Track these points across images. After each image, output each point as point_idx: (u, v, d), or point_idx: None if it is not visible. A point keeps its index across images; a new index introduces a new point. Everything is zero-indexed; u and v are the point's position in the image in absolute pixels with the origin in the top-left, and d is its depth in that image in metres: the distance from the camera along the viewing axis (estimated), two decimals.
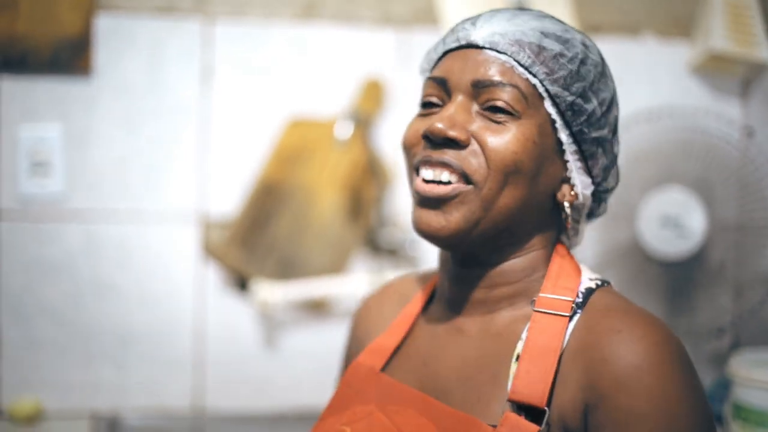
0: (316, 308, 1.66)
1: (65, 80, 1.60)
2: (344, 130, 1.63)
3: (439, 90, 0.88)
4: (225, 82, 1.65)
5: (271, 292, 1.58)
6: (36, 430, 1.56)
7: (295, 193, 1.64)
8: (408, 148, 0.89)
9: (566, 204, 0.88)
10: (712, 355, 1.69)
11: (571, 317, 0.82)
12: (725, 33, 1.63)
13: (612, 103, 0.90)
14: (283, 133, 1.64)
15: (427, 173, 0.85)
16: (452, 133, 0.83)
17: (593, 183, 0.90)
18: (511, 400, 0.79)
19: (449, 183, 0.84)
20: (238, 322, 1.66)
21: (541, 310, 0.84)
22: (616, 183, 0.95)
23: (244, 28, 1.64)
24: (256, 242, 1.63)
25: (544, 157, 0.85)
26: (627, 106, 1.68)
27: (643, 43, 1.73)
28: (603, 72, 0.89)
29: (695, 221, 1.59)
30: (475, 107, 0.85)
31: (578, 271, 0.89)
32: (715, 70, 1.70)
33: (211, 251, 1.64)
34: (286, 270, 1.61)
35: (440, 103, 0.88)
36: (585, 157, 0.88)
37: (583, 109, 0.86)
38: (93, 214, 1.62)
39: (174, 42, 1.63)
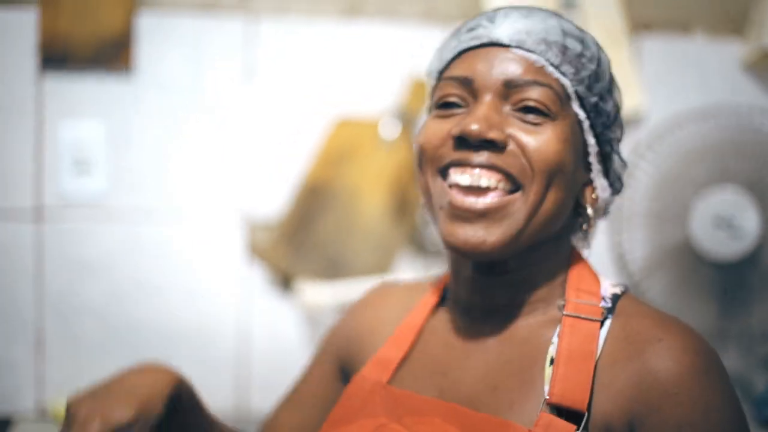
0: None
1: (107, 78, 1.59)
2: (390, 130, 1.61)
3: (461, 90, 0.82)
4: (268, 80, 1.63)
5: (317, 292, 1.56)
6: None
7: (341, 193, 1.62)
8: (429, 150, 0.82)
9: (589, 208, 0.85)
10: (765, 358, 1.66)
11: (602, 322, 0.81)
12: None
13: (619, 106, 0.88)
14: (330, 133, 1.62)
15: (462, 178, 0.80)
16: (492, 134, 0.78)
17: (609, 186, 0.88)
18: (549, 403, 0.77)
19: (488, 189, 0.79)
20: (283, 322, 1.64)
21: (571, 314, 0.82)
22: (623, 187, 0.92)
23: (287, 26, 1.62)
24: (301, 242, 1.61)
25: (576, 158, 0.83)
26: (678, 105, 1.67)
27: (695, 40, 1.70)
28: (612, 73, 0.87)
29: (749, 222, 1.57)
30: (506, 108, 0.81)
31: (596, 277, 0.88)
32: None
33: (256, 251, 1.62)
34: (332, 270, 1.60)
35: (462, 103, 0.82)
36: (603, 160, 0.86)
37: (603, 110, 0.84)
38: (135, 213, 1.61)
39: (216, 40, 1.61)
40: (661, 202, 1.62)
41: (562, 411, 0.77)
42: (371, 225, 1.62)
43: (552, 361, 0.81)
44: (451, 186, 0.81)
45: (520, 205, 0.79)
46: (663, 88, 1.68)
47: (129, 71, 1.59)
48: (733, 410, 0.77)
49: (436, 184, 0.82)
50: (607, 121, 0.84)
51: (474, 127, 0.78)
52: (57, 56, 1.56)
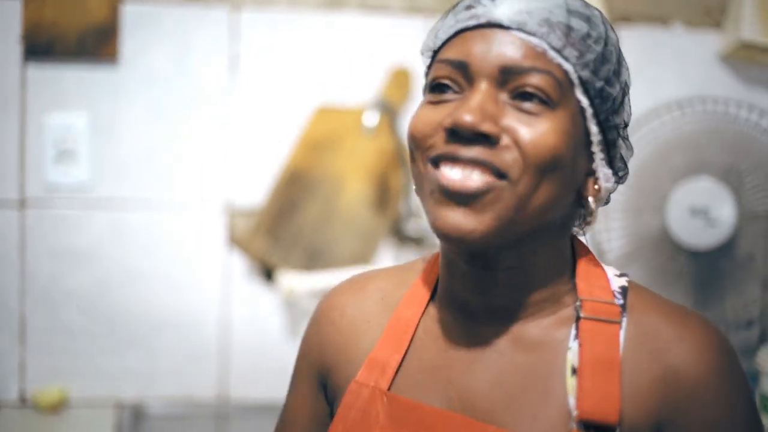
0: None
1: (91, 68, 1.60)
2: (371, 119, 1.62)
3: (455, 74, 0.76)
4: (252, 70, 1.64)
5: (297, 282, 1.57)
6: (60, 419, 1.56)
7: (322, 181, 1.64)
8: (420, 139, 0.76)
9: (591, 200, 0.79)
10: (740, 346, 1.68)
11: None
12: (756, 22, 1.62)
13: (627, 86, 0.81)
14: (311, 121, 1.64)
15: (453, 172, 0.74)
16: (485, 127, 0.72)
17: (614, 174, 0.81)
18: (580, 419, 0.73)
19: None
20: (264, 311, 1.65)
21: (590, 317, 0.77)
22: (627, 174, 0.85)
23: (270, 16, 1.64)
24: (282, 231, 1.62)
25: (577, 150, 0.76)
26: (656, 96, 1.68)
27: (673, 32, 1.72)
28: (620, 51, 0.80)
29: (724, 211, 1.58)
30: (503, 96, 0.74)
31: (601, 267, 0.84)
32: (745, 59, 1.69)
33: (236, 241, 1.63)
34: (313, 260, 1.61)
35: (455, 88, 0.76)
36: (608, 147, 0.79)
37: (609, 94, 0.77)
38: (119, 203, 1.62)
39: (201, 30, 1.62)
40: (639, 191, 1.63)
41: (590, 426, 0.74)
42: (352, 214, 1.64)
43: (573, 371, 0.76)
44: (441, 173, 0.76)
45: (508, 194, 0.73)
46: (641, 79, 1.68)
47: (114, 61, 1.60)
48: (752, 404, 0.77)
49: (428, 170, 0.77)
50: (612, 106, 0.78)
51: (467, 118, 0.72)
52: (42, 46, 1.57)
